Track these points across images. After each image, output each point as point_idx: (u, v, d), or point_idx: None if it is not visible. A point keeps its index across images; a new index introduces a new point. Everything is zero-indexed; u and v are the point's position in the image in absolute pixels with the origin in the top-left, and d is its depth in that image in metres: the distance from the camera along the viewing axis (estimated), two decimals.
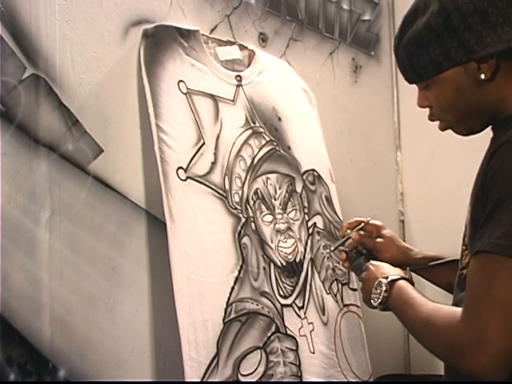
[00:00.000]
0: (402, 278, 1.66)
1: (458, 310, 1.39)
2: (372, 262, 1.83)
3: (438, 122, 1.66)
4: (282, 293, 2.23)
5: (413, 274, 1.93)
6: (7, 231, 1.78)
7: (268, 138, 2.36)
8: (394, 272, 1.71)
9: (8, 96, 1.81)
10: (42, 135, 1.87)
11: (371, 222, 2.00)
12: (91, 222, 1.97)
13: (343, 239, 2.00)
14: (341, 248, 1.99)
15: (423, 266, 1.93)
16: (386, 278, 1.67)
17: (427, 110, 1.66)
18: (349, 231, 2.00)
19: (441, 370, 1.63)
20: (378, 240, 1.97)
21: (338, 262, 2.44)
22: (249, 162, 2.26)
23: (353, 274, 2.49)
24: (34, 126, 1.85)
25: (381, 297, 1.65)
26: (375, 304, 1.68)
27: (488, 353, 1.30)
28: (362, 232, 1.99)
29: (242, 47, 2.43)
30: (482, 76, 1.51)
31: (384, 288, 1.65)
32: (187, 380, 1.91)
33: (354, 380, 2.36)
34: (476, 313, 1.34)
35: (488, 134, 1.59)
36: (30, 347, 1.79)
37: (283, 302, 2.23)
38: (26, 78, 1.85)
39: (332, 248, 2.08)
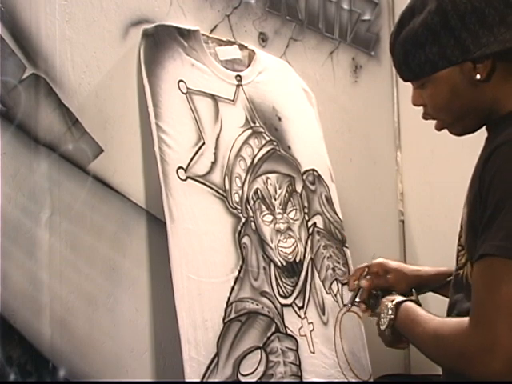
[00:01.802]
0: (408, 300, 1.66)
1: (465, 319, 1.37)
2: (386, 296, 1.81)
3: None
4: (282, 293, 2.23)
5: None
6: (7, 231, 1.78)
7: (268, 138, 2.36)
8: (401, 297, 1.70)
9: (8, 96, 1.81)
10: (42, 135, 1.87)
11: (373, 262, 1.99)
12: (91, 221, 1.97)
13: (355, 292, 1.98)
14: (356, 301, 1.97)
15: (441, 283, 1.90)
16: (392, 301, 1.66)
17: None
18: (357, 282, 1.98)
19: (440, 369, 1.63)
20: (388, 276, 1.95)
21: (338, 262, 2.45)
22: (249, 161, 2.26)
23: None
24: (34, 125, 1.85)
25: (387, 320, 1.65)
26: (383, 328, 1.67)
27: (499, 358, 1.28)
28: (368, 277, 1.97)
29: (242, 47, 2.43)
30: (478, 76, 1.50)
31: (390, 311, 1.64)
32: (187, 380, 1.91)
33: (354, 380, 2.36)
34: (483, 318, 1.32)
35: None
36: (30, 347, 1.79)
37: (283, 301, 2.23)
38: (26, 77, 1.85)
39: (349, 304, 2.05)
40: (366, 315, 1.96)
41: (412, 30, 1.56)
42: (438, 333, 1.45)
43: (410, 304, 1.63)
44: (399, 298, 1.66)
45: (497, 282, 1.32)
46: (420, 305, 1.65)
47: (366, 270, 1.97)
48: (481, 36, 1.48)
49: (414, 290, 1.78)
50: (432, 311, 1.56)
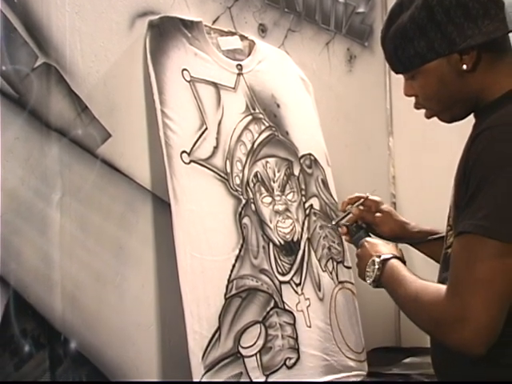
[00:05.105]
0: (394, 257, 1.67)
1: (443, 287, 1.41)
2: (367, 239, 1.84)
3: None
4: (280, 270, 2.24)
5: (410, 247, 1.97)
6: (21, 211, 1.79)
7: (267, 124, 2.36)
8: (387, 250, 1.72)
9: (21, 83, 1.81)
10: (53, 121, 1.87)
11: (370, 197, 2.01)
12: (100, 202, 1.97)
13: (344, 214, 2.01)
14: (342, 222, 2.00)
15: (422, 240, 1.93)
16: (379, 256, 1.68)
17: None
18: (349, 206, 2.00)
19: (429, 342, 1.64)
20: (377, 215, 1.98)
21: (334, 241, 2.46)
22: (249, 146, 2.26)
23: (347, 253, 2.51)
24: (45, 111, 1.86)
25: (374, 275, 1.67)
26: (369, 281, 1.69)
27: (470, 328, 1.33)
28: (361, 207, 1.99)
29: (243, 37, 2.43)
30: (464, 67, 1.52)
31: (377, 266, 1.66)
32: (190, 352, 1.92)
33: (348, 352, 2.37)
34: (458, 290, 1.36)
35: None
36: (42, 320, 1.80)
37: (281, 278, 2.24)
38: (38, 66, 1.85)
39: (333, 222, 2.09)
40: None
41: (401, 25, 1.57)
42: (418, 297, 1.48)
43: (395, 262, 1.65)
44: (386, 255, 1.68)
45: (472, 258, 1.35)
46: (405, 262, 1.67)
47: (362, 200, 1.99)
48: (466, 29, 1.49)
49: (400, 248, 1.79)
50: (417, 271, 1.59)
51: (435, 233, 1.91)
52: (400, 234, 1.95)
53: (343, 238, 2.03)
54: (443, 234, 1.71)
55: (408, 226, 1.98)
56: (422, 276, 1.55)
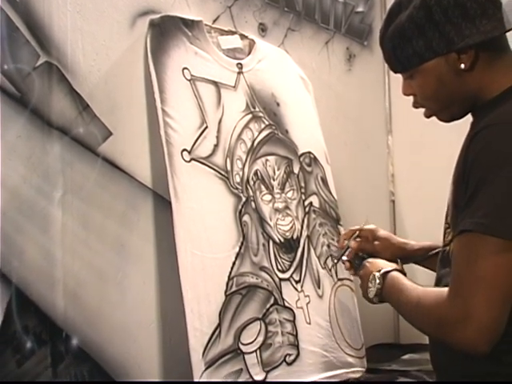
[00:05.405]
0: (395, 270, 1.67)
1: (445, 290, 1.41)
2: (368, 259, 1.83)
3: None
4: (280, 267, 2.24)
5: (414, 265, 1.94)
6: (23, 209, 1.79)
7: (267, 122, 2.36)
8: (387, 265, 1.72)
9: (23, 82, 1.81)
10: (55, 119, 1.88)
11: (365, 227, 2.00)
12: (101, 200, 1.97)
13: (343, 250, 1.99)
14: (344, 258, 1.98)
15: (423, 257, 1.92)
16: (379, 271, 1.68)
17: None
18: (346, 241, 1.99)
19: (427, 339, 1.64)
20: (376, 243, 1.96)
21: (333, 239, 2.46)
22: (249, 144, 2.26)
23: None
24: (47, 110, 1.86)
25: (375, 289, 1.66)
26: (371, 296, 1.69)
27: (473, 327, 1.32)
28: (358, 239, 1.98)
29: (243, 36, 2.43)
30: (462, 66, 1.51)
31: (378, 281, 1.66)
32: (191, 349, 1.92)
33: (347, 349, 2.37)
34: (460, 289, 1.36)
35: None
36: (44, 317, 1.81)
37: (281, 276, 2.24)
38: (40, 65, 1.85)
39: (335, 261, 2.08)
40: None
41: (399, 25, 1.56)
42: (420, 302, 1.48)
43: (395, 274, 1.65)
44: (386, 268, 1.68)
45: (474, 256, 1.35)
46: (405, 274, 1.67)
47: (358, 232, 1.99)
48: (464, 28, 1.49)
49: (399, 260, 1.79)
50: (420, 283, 1.58)
51: (435, 247, 1.90)
52: (401, 255, 1.91)
53: (349, 273, 2.01)
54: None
55: (407, 246, 1.97)
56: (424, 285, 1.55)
